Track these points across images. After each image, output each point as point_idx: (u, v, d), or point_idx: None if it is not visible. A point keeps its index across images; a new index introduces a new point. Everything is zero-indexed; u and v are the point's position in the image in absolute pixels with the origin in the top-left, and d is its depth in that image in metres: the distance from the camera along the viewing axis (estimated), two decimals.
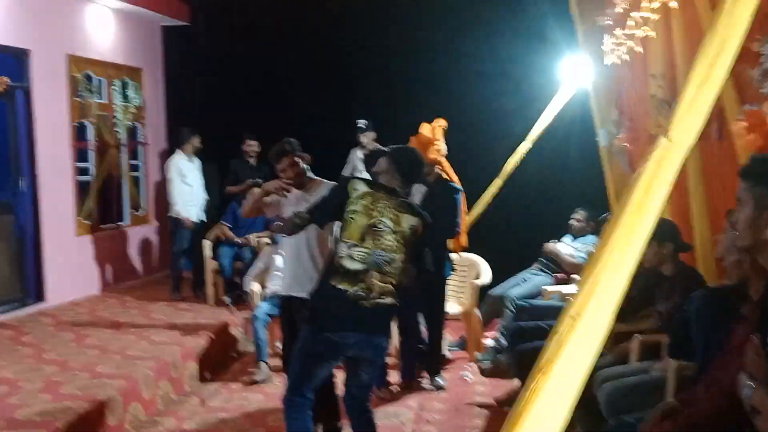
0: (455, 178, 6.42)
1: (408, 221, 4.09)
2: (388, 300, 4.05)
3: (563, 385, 2.06)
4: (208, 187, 9.33)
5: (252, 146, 9.08)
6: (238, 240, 8.63)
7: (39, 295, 8.31)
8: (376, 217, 4.02)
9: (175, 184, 8.88)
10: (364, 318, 4.01)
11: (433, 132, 6.14)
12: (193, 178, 9.01)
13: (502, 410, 5.70)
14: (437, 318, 6.38)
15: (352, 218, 4.03)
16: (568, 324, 2.12)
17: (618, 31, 6.15)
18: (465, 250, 6.93)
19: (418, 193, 6.00)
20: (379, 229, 4.01)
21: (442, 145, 6.21)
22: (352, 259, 3.98)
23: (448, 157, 6.45)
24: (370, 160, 6.05)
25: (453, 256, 6.56)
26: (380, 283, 4.00)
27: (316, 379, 4.20)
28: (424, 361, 6.40)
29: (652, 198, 2.31)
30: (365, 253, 3.99)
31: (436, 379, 6.32)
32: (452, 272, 6.47)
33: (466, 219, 6.67)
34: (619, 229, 2.25)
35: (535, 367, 2.08)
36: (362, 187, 4.08)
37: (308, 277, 4.67)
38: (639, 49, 5.72)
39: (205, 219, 9.15)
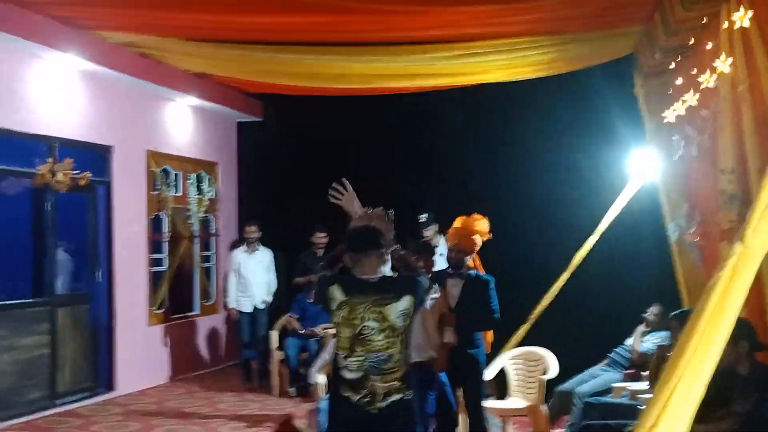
0: (482, 269, 6.44)
1: (396, 309, 3.97)
2: (397, 396, 3.96)
3: None
4: (279, 278, 9.48)
5: (320, 238, 9.22)
6: (304, 331, 8.68)
7: (110, 385, 8.46)
8: (359, 325, 3.94)
9: (229, 276, 9.32)
10: (375, 423, 3.94)
11: (473, 222, 6.16)
12: (249, 269, 9.20)
13: None
14: (477, 418, 6.05)
15: (337, 330, 4.01)
16: None
17: (687, 126, 6.16)
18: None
19: (453, 287, 6.03)
20: (365, 335, 3.94)
21: (482, 236, 6.20)
22: (349, 369, 3.95)
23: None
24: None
25: (517, 350, 6.44)
26: (382, 385, 3.93)
27: None
28: None
29: (728, 306, 2.29)
30: (359, 361, 3.93)
31: None
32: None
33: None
34: (696, 337, 2.23)
35: None
36: (339, 296, 3.99)
37: None
38: (708, 143, 5.71)
39: (262, 308, 9.28)
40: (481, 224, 6.18)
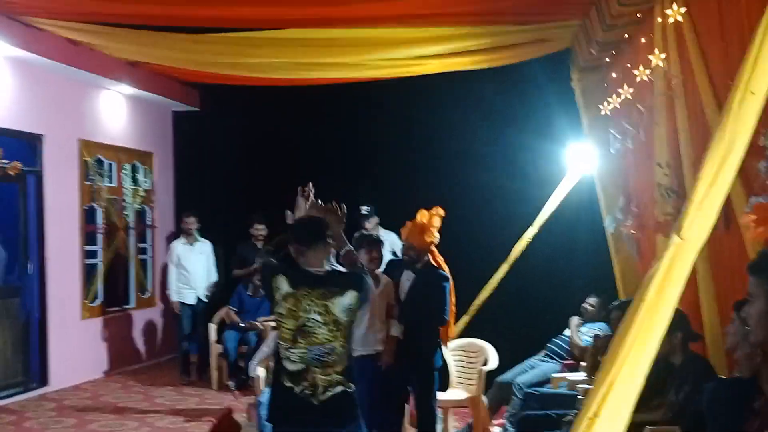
0: (445, 267, 6.40)
1: (341, 303, 3.98)
2: (338, 389, 3.98)
3: None
4: (218, 270, 9.38)
5: (259, 230, 9.14)
6: (243, 324, 8.60)
7: (43, 379, 8.26)
8: (303, 317, 3.94)
9: (169, 268, 9.18)
10: (315, 414, 3.95)
11: (430, 219, 6.15)
12: (191, 261, 9.07)
13: None
14: (425, 405, 6.11)
15: (280, 320, 3.98)
16: (586, 424, 2.10)
17: (622, 120, 6.26)
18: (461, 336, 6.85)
19: (406, 280, 6.03)
20: (308, 327, 3.94)
21: (435, 233, 6.19)
22: (291, 360, 3.94)
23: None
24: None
25: (456, 342, 6.47)
26: (323, 377, 3.95)
27: None
28: None
29: (666, 297, 2.33)
30: (301, 353, 3.93)
31: None
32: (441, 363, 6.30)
33: (454, 309, 6.62)
34: (634, 328, 2.26)
35: None
36: (284, 287, 3.97)
37: None
38: (643, 137, 5.81)
39: (205, 300, 9.16)
40: (435, 221, 6.14)
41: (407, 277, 6.06)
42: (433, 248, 6.30)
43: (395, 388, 5.97)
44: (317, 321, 3.95)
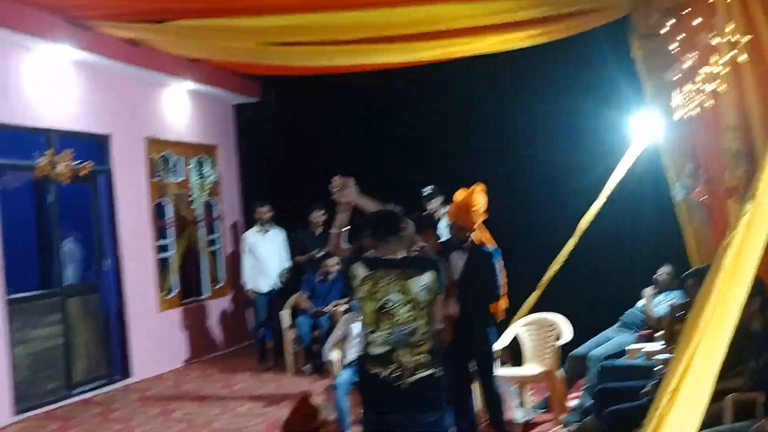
0: (492, 242, 6.34)
1: (418, 284, 3.99)
2: (426, 372, 3.97)
3: None
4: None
5: (318, 216, 9.24)
6: (315, 309, 8.71)
7: (125, 371, 8.52)
8: (382, 299, 3.97)
9: (242, 257, 9.27)
10: (403, 399, 3.93)
11: (471, 197, 6.08)
12: (263, 249, 9.20)
13: None
14: (488, 387, 6.08)
15: (361, 305, 4.02)
16: (668, 398, 2.10)
17: (687, 87, 6.14)
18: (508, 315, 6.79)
19: (458, 260, 6.00)
20: (388, 307, 3.96)
21: (481, 210, 6.09)
22: (376, 344, 3.97)
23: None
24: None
25: (529, 317, 6.44)
26: (411, 359, 3.94)
27: None
28: None
29: (744, 263, 2.30)
30: (385, 335, 3.95)
31: None
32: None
33: (505, 283, 6.56)
34: (713, 297, 2.24)
35: None
36: (361, 272, 4.02)
37: None
38: (710, 102, 5.69)
39: (277, 288, 9.29)
40: (478, 197, 6.08)
41: (459, 257, 6.03)
42: (482, 225, 6.27)
43: (459, 369, 5.95)
44: (397, 301, 3.97)
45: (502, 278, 6.21)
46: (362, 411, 4.15)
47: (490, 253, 6.13)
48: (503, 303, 6.57)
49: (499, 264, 6.15)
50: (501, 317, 6.64)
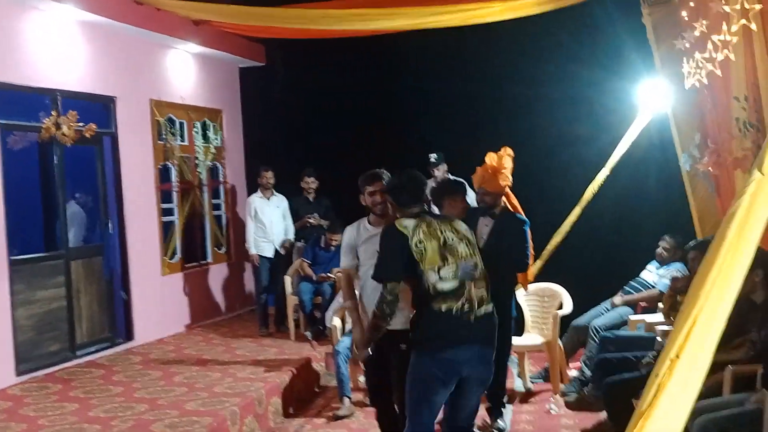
0: (520, 209, 6.25)
1: (462, 226, 4.25)
2: (489, 308, 4.14)
3: (665, 429, 2.02)
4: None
5: (309, 183, 9.24)
6: (316, 276, 8.71)
7: (128, 334, 8.56)
8: (442, 235, 4.10)
9: (247, 222, 9.25)
10: (472, 331, 4.06)
11: (500, 161, 5.99)
12: (267, 214, 9.18)
13: None
14: (502, 356, 5.87)
15: (423, 248, 4.05)
16: (667, 366, 2.08)
17: (697, 55, 6.05)
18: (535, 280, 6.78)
19: (484, 226, 5.87)
20: (451, 243, 4.10)
21: (509, 175, 6.01)
22: (445, 279, 4.03)
23: (524, 185, 6.35)
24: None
25: (531, 287, 6.40)
26: (477, 291, 4.08)
27: (436, 407, 4.17)
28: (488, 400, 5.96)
29: (748, 234, 2.27)
30: (453, 269, 4.04)
31: (498, 421, 5.94)
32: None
33: (533, 253, 6.43)
34: (715, 267, 2.21)
35: (636, 411, 2.05)
36: (410, 222, 4.12)
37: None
38: (719, 72, 5.61)
39: (282, 253, 9.28)
40: (507, 161, 5.95)
41: (485, 223, 5.89)
42: (509, 191, 6.18)
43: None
44: (454, 238, 4.13)
45: (530, 246, 6.14)
46: (418, 354, 4.12)
47: (523, 220, 6.02)
48: (531, 273, 6.51)
49: (528, 232, 6.03)
50: (526, 288, 6.60)
